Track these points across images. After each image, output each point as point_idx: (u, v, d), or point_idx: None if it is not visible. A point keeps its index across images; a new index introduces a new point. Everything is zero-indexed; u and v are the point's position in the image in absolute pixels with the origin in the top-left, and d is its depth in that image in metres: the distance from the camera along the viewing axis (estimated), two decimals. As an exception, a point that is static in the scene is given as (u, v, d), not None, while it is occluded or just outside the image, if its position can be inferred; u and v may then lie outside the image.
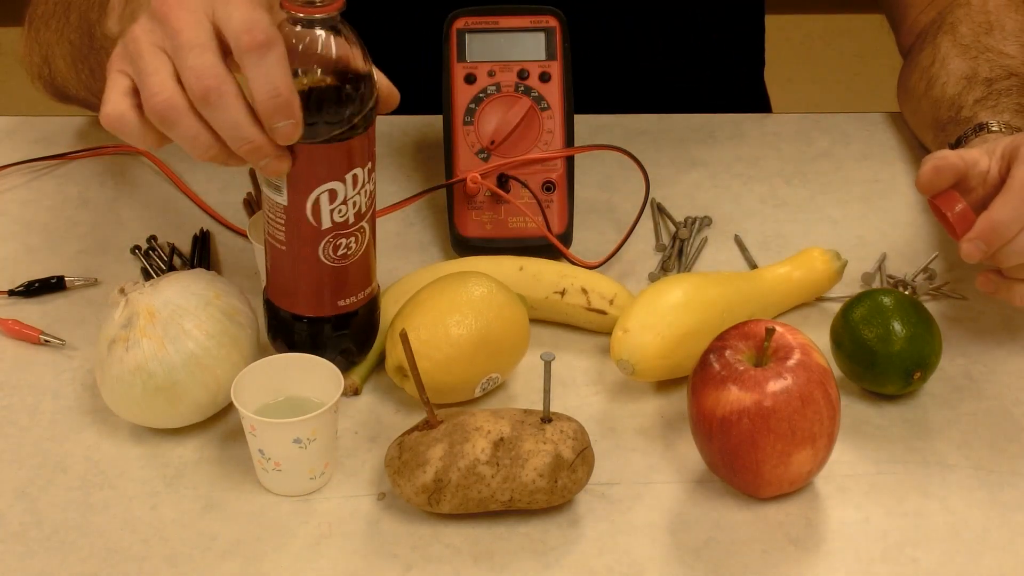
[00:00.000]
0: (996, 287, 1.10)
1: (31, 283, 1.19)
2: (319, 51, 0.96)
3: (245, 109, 0.92)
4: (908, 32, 1.38)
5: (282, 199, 1.00)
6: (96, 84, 1.20)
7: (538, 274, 1.16)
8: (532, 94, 1.22)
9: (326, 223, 1.01)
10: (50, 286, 1.19)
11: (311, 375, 1.03)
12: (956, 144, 1.19)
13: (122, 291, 1.04)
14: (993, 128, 1.17)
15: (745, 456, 0.98)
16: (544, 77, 1.22)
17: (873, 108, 1.46)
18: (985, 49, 1.25)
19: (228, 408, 1.07)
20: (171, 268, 1.22)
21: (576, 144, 1.24)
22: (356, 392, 1.09)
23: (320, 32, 0.96)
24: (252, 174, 1.25)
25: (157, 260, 1.22)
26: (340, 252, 1.03)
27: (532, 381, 1.11)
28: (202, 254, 1.23)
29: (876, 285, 1.21)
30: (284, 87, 0.92)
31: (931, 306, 1.16)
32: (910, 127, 1.38)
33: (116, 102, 0.95)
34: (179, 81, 0.92)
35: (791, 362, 0.98)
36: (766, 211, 1.30)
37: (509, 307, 1.08)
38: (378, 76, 1.01)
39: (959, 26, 1.28)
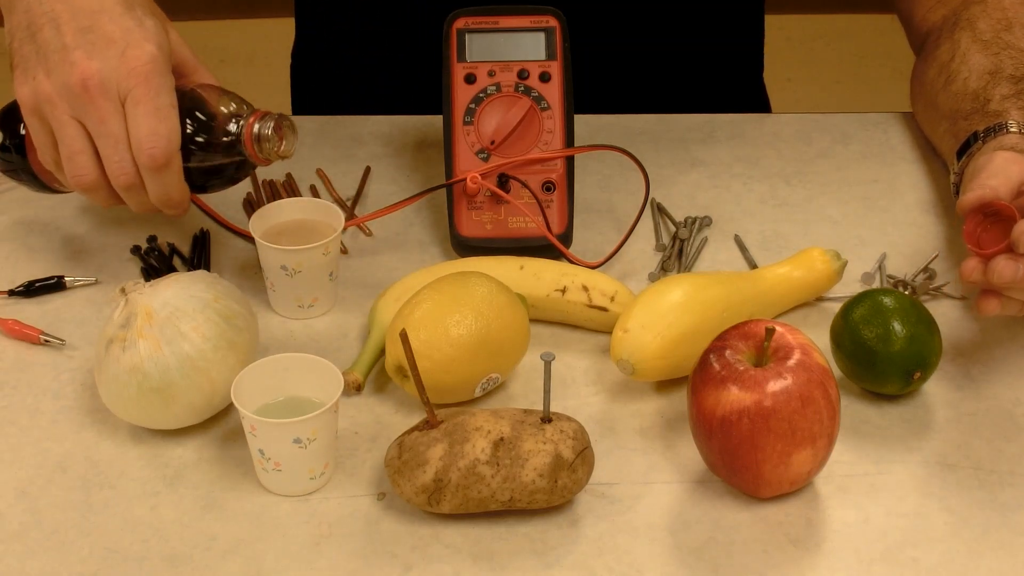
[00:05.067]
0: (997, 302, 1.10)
1: (31, 283, 1.19)
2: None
3: (147, 199, 1.12)
4: (917, 30, 1.39)
5: None
6: None
7: (538, 273, 1.16)
8: (532, 94, 1.22)
9: None
10: (50, 286, 1.19)
11: (311, 375, 1.03)
12: (984, 134, 1.19)
13: (123, 291, 1.05)
14: (1012, 129, 1.17)
15: (745, 456, 0.98)
16: (544, 77, 1.22)
17: (873, 108, 1.46)
18: (1007, 46, 1.25)
19: (228, 409, 1.07)
20: (171, 269, 1.22)
21: (576, 144, 1.24)
22: (358, 389, 1.09)
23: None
24: (252, 175, 1.26)
25: (157, 260, 1.22)
26: None
27: (532, 381, 1.11)
28: (202, 254, 1.23)
29: (876, 285, 1.21)
30: (178, 198, 1.12)
31: (931, 306, 1.16)
32: (918, 120, 1.38)
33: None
34: (98, 158, 1.10)
35: (791, 362, 0.98)
36: (766, 211, 1.30)
37: (509, 307, 1.08)
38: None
39: (977, 22, 1.28)
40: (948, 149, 1.26)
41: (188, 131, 1.11)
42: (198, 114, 1.12)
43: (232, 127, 1.12)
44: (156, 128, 1.08)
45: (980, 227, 1.09)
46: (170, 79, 1.10)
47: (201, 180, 1.14)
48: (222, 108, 1.12)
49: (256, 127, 1.11)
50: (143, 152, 1.08)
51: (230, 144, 1.12)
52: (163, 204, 1.12)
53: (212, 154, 1.12)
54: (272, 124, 1.11)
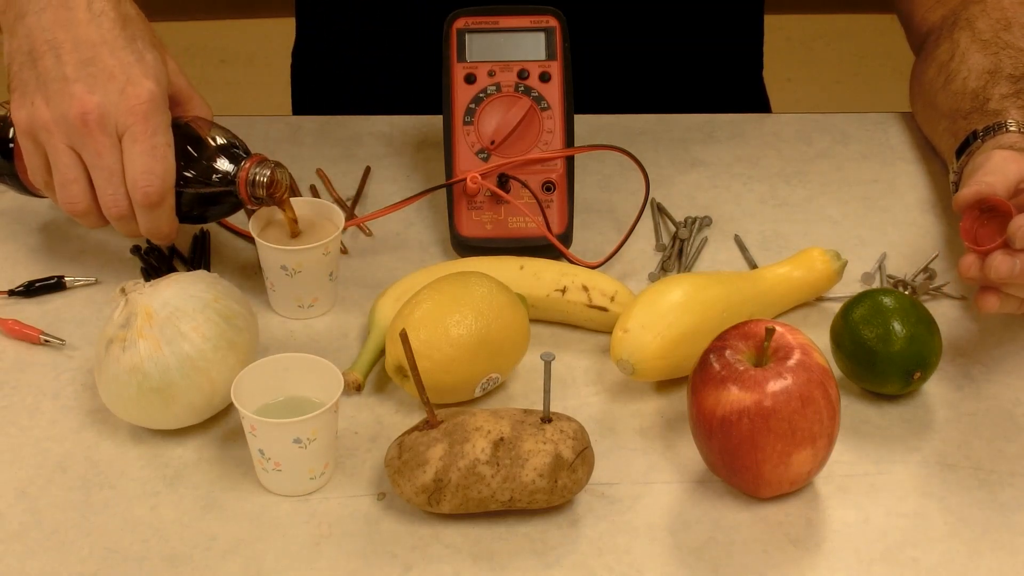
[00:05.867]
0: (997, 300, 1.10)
1: (31, 283, 1.19)
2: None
3: (136, 228, 1.14)
4: (917, 30, 1.39)
5: None
6: None
7: (538, 273, 1.16)
8: (532, 94, 1.22)
9: None
10: (50, 286, 1.19)
11: (311, 375, 1.03)
12: (983, 133, 1.19)
13: (123, 291, 1.05)
14: (1011, 128, 1.17)
15: (745, 456, 0.98)
16: (544, 77, 1.22)
17: (873, 108, 1.46)
18: (1006, 45, 1.25)
19: (228, 408, 1.07)
20: (171, 269, 1.22)
21: (576, 144, 1.24)
22: (358, 389, 1.09)
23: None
24: None
25: (157, 260, 1.22)
26: None
27: (532, 381, 1.11)
28: (202, 254, 1.23)
29: (876, 285, 1.21)
30: (167, 231, 1.14)
31: (931, 306, 1.16)
32: (918, 120, 1.38)
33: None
34: (91, 187, 1.12)
35: (791, 362, 0.98)
36: (766, 211, 1.30)
37: (509, 307, 1.08)
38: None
39: (976, 22, 1.28)
40: (947, 148, 1.26)
41: (182, 167, 1.12)
42: (193, 152, 1.13)
43: (229, 167, 1.13)
44: (152, 167, 1.10)
45: (977, 223, 1.09)
46: (167, 117, 1.11)
47: (191, 213, 1.16)
48: (216, 147, 1.14)
49: (252, 173, 1.13)
50: (138, 190, 1.10)
51: (223, 184, 1.13)
52: (152, 236, 1.14)
53: (204, 192, 1.14)
54: (268, 173, 1.13)
